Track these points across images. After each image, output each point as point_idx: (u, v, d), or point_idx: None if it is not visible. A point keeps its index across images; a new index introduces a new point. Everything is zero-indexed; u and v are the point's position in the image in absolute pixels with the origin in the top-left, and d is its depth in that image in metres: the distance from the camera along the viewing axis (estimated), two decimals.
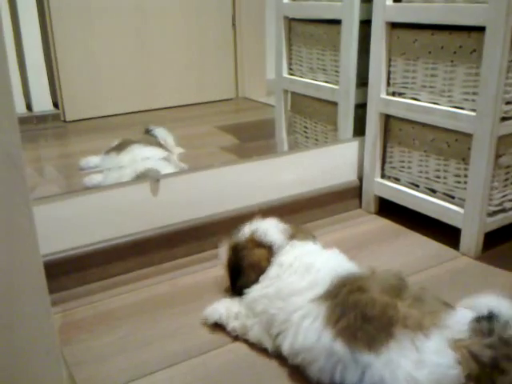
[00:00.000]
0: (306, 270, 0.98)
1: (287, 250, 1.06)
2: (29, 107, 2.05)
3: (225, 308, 1.09)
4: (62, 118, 2.11)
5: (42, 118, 2.05)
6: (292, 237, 1.09)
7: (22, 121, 1.95)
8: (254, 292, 1.04)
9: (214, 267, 1.35)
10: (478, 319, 0.78)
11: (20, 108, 2.00)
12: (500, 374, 0.74)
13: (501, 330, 0.76)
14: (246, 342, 1.05)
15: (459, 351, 0.75)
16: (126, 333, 1.10)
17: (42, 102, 2.07)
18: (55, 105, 2.11)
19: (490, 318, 0.77)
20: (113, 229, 1.31)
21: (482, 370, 0.74)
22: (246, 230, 1.14)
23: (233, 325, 1.06)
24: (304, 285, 0.95)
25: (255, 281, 1.06)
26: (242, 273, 1.09)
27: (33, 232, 0.69)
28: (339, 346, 0.84)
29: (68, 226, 1.25)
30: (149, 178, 1.34)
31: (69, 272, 1.25)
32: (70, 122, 2.11)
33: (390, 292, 0.87)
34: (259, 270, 1.06)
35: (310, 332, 0.89)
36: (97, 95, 2.18)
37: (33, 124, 2.01)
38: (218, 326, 1.09)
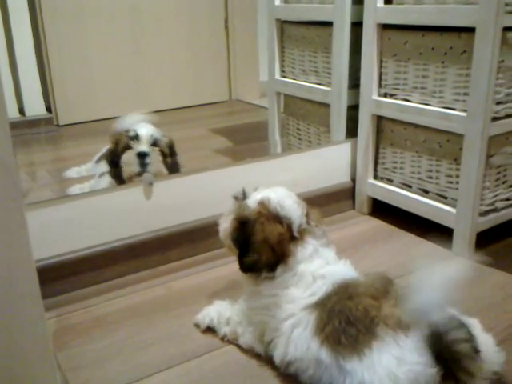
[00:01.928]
0: (313, 281, 0.94)
1: (308, 257, 0.95)
2: (21, 112, 2.04)
3: (216, 313, 1.08)
4: (55, 122, 2.10)
5: (35, 123, 2.04)
6: (307, 215, 0.98)
7: (15, 125, 1.94)
8: (253, 302, 1.00)
9: (209, 270, 1.35)
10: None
11: (12, 112, 1.99)
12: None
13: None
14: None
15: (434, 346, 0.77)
16: (122, 337, 1.10)
17: (35, 107, 2.06)
18: (48, 109, 2.11)
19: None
20: (107, 233, 1.31)
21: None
22: (253, 199, 0.99)
23: (224, 330, 1.06)
24: (303, 294, 0.94)
25: (270, 262, 0.94)
26: (252, 249, 0.95)
27: (26, 237, 0.69)
28: (324, 354, 0.85)
29: (62, 230, 1.25)
30: (142, 181, 1.34)
31: (63, 276, 1.25)
32: (63, 126, 2.10)
33: (376, 295, 0.87)
34: (275, 250, 0.94)
35: (300, 342, 0.89)
36: (90, 99, 2.18)
37: (26, 128, 2.01)
38: (212, 329, 1.09)
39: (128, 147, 1.39)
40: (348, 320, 0.84)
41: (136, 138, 1.38)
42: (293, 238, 0.96)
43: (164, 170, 1.42)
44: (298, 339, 0.90)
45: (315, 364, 0.87)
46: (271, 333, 0.96)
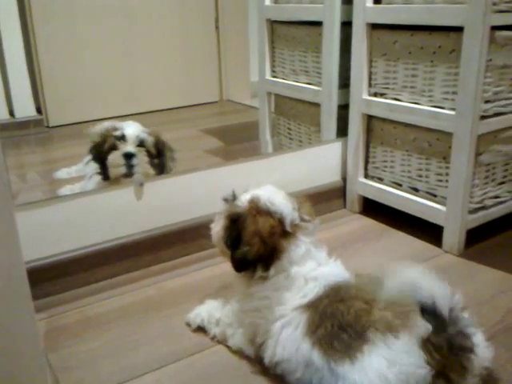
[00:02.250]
0: (305, 283, 0.94)
1: (301, 258, 0.95)
2: (11, 113, 2.03)
3: (207, 313, 1.09)
4: (46, 124, 2.09)
5: (25, 124, 2.03)
6: (298, 209, 0.98)
7: (5, 127, 1.92)
8: (246, 304, 1.00)
9: (201, 270, 1.35)
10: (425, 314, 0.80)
11: (2, 114, 1.98)
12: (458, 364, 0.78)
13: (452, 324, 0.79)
14: None
15: (425, 347, 0.78)
16: (114, 337, 1.10)
17: (25, 108, 2.05)
18: (38, 110, 2.10)
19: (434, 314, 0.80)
20: (99, 233, 1.31)
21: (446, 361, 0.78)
22: (243, 199, 1.00)
23: (214, 331, 1.07)
24: (294, 296, 0.94)
25: (261, 254, 0.93)
26: (244, 242, 0.94)
27: (16, 238, 0.69)
28: (316, 357, 0.85)
29: (53, 231, 1.25)
30: (133, 182, 1.34)
31: (55, 277, 1.25)
32: (53, 127, 2.09)
33: (366, 298, 0.88)
34: (267, 243, 0.93)
35: (288, 343, 0.89)
36: (80, 100, 2.17)
37: (16, 130, 2.00)
38: (204, 329, 1.09)
39: (114, 147, 1.38)
40: (340, 325, 0.85)
41: (122, 138, 1.38)
42: (285, 234, 0.95)
43: (151, 171, 1.41)
44: (286, 340, 0.90)
45: (305, 366, 0.87)
46: (262, 335, 0.96)
